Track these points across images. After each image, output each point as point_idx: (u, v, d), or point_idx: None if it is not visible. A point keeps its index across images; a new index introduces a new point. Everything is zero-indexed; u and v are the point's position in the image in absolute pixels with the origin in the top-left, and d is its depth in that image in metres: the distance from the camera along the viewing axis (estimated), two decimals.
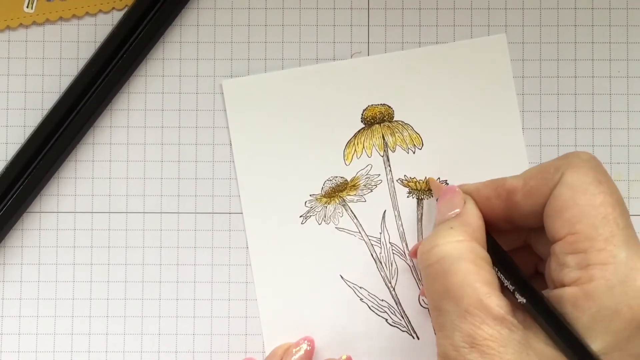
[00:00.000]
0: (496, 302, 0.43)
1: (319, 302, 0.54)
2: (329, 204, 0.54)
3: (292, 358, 0.52)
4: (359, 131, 0.55)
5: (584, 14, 0.55)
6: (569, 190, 0.44)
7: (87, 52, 0.55)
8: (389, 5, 0.55)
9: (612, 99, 0.55)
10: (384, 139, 0.55)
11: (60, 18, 0.55)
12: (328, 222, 0.54)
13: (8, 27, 0.55)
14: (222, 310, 0.54)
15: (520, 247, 0.50)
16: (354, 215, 0.54)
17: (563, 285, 0.44)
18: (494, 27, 0.55)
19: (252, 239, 0.54)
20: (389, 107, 0.55)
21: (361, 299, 0.54)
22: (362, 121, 0.55)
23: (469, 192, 0.49)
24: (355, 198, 0.55)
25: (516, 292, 0.45)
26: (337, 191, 0.55)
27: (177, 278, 0.54)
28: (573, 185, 0.44)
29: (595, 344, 0.42)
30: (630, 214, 0.54)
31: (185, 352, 0.54)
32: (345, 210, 0.54)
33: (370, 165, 0.55)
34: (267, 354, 0.53)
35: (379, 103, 0.55)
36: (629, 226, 0.44)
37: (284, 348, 0.53)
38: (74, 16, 0.55)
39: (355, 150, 0.55)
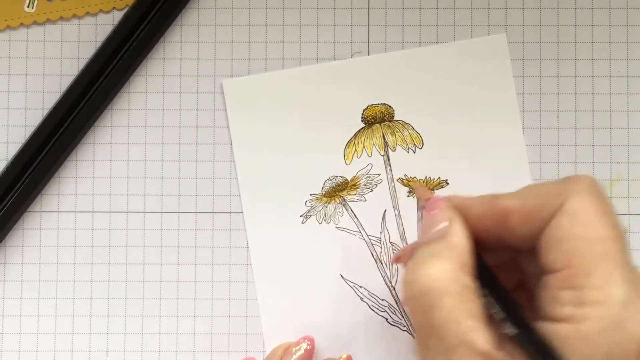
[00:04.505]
0: (482, 337, 0.41)
1: (319, 301, 0.54)
2: (329, 203, 0.55)
3: (292, 357, 0.52)
4: (359, 131, 0.55)
5: (584, 14, 0.55)
6: (570, 220, 0.42)
7: (87, 51, 0.55)
8: (389, 5, 0.55)
9: (612, 99, 0.55)
10: (384, 139, 0.55)
11: (61, 18, 0.55)
12: (328, 221, 0.54)
13: (9, 27, 0.55)
14: (222, 310, 0.54)
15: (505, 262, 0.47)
16: (354, 215, 0.55)
17: (554, 320, 0.41)
18: (494, 27, 0.55)
19: (253, 238, 0.54)
20: (389, 106, 0.55)
21: (361, 299, 0.54)
22: (362, 121, 0.55)
23: (459, 207, 0.45)
24: (356, 197, 0.55)
25: (506, 323, 0.42)
26: (338, 190, 0.55)
27: (177, 277, 0.54)
28: (574, 215, 0.42)
29: None
30: (630, 213, 0.54)
31: (185, 352, 0.54)
32: (346, 209, 0.55)
33: (370, 165, 0.55)
34: (267, 353, 0.53)
35: (379, 102, 0.55)
36: (628, 263, 0.41)
37: (284, 347, 0.53)
38: (74, 16, 0.55)
39: (355, 149, 0.55)
